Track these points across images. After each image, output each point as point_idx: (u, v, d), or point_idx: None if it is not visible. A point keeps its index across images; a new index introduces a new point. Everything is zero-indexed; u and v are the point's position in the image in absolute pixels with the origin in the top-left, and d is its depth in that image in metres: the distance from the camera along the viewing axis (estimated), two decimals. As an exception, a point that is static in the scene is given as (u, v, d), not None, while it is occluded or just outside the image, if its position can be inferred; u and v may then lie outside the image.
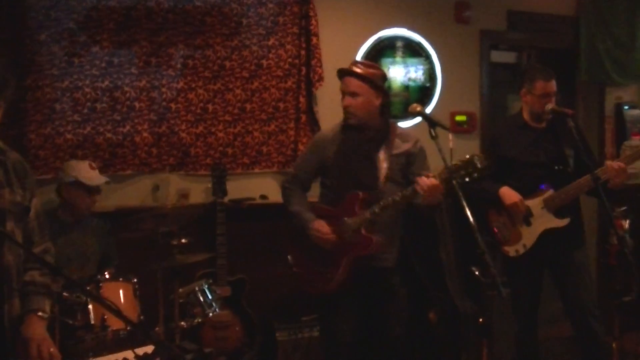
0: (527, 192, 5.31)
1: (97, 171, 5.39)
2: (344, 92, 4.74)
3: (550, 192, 5.23)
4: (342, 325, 4.84)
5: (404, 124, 6.89)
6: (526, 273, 5.46)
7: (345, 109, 4.76)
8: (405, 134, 4.90)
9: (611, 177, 4.97)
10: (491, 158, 5.45)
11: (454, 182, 3.99)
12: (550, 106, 5.23)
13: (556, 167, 5.20)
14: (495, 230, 5.48)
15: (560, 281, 5.44)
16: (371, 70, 4.79)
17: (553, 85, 5.31)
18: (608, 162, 5.06)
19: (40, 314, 3.32)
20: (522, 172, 5.37)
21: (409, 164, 4.78)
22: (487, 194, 5.45)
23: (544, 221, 5.27)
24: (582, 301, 5.26)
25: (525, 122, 5.42)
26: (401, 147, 4.80)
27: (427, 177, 4.32)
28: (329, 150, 4.88)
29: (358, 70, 4.75)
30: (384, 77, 4.86)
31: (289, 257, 5.03)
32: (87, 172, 5.31)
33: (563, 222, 5.23)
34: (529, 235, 5.33)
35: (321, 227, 4.73)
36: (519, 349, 5.64)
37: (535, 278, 5.50)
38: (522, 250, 5.36)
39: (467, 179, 4.12)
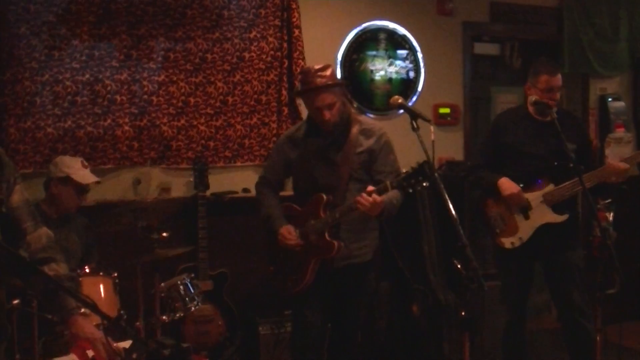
0: (524, 183, 5.32)
1: (88, 170, 5.34)
2: (321, 107, 4.66)
3: (551, 186, 5.22)
4: (309, 321, 4.89)
5: (386, 117, 6.91)
6: (518, 265, 5.46)
7: (327, 122, 4.71)
8: (368, 130, 4.85)
9: (613, 176, 5.01)
10: (490, 145, 5.50)
11: (411, 187, 4.20)
12: (533, 98, 5.23)
13: (555, 163, 5.18)
14: (491, 220, 5.49)
15: (552, 278, 5.46)
16: (330, 72, 4.74)
17: (558, 79, 5.30)
18: (611, 163, 5.06)
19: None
20: (521, 162, 5.37)
21: (372, 161, 4.76)
22: (485, 183, 5.48)
23: (542, 215, 5.27)
24: (573, 301, 5.27)
25: (528, 114, 5.40)
26: (363, 144, 4.78)
27: (369, 193, 4.35)
28: (293, 153, 4.95)
29: (328, 81, 4.69)
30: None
31: (267, 257, 5.13)
32: (79, 169, 5.26)
33: (561, 217, 5.23)
34: (526, 228, 5.33)
35: (287, 233, 4.80)
36: (506, 340, 5.64)
37: (527, 271, 5.50)
38: (517, 243, 5.36)
39: (418, 187, 4.23)
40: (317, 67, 4.71)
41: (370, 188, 4.38)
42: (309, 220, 4.76)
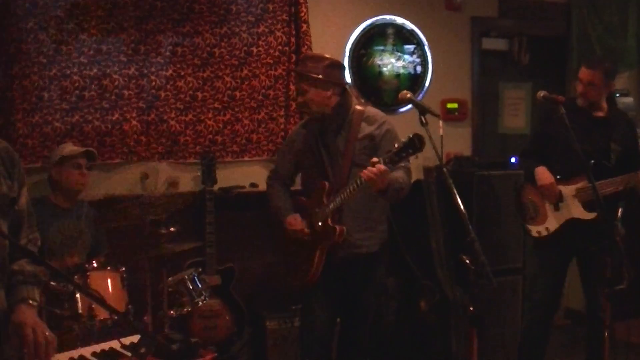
0: (563, 176, 5.34)
1: (78, 147, 5.39)
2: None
3: (585, 182, 5.19)
4: (318, 316, 4.96)
5: (395, 112, 6.90)
6: (553, 260, 5.48)
7: (300, 105, 5.05)
8: (371, 117, 4.92)
9: None
10: (538, 134, 5.64)
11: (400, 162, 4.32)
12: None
13: (592, 161, 5.14)
14: (524, 206, 5.57)
15: (584, 274, 5.49)
16: (317, 64, 4.85)
17: (587, 73, 5.34)
18: None
19: (30, 302, 3.28)
20: (562, 156, 5.37)
21: (375, 147, 4.78)
22: (525, 170, 5.59)
23: (572, 209, 5.29)
24: (597, 297, 5.24)
25: (578, 107, 5.39)
26: (365, 130, 4.85)
27: (373, 164, 4.36)
28: (298, 144, 5.09)
29: (307, 71, 4.86)
30: (332, 66, 4.89)
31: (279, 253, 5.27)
32: (69, 147, 5.34)
33: (589, 215, 5.19)
34: (554, 220, 5.36)
35: (293, 220, 4.92)
36: (527, 340, 5.61)
37: (561, 267, 5.52)
38: (544, 233, 5.41)
39: (410, 159, 4.35)
40: (312, 54, 5.05)
41: (375, 159, 4.39)
42: (313, 209, 4.85)
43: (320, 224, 4.79)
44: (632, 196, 5.17)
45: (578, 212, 5.25)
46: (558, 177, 5.32)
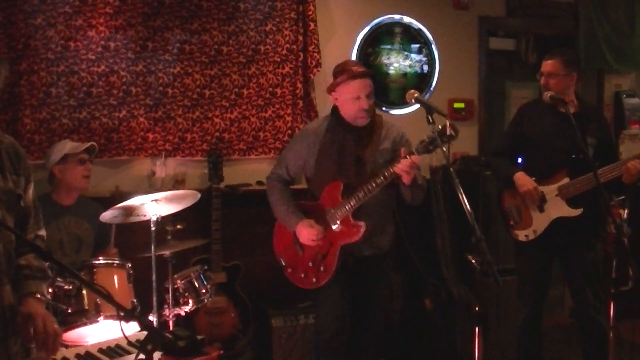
0: (542, 176, 5.31)
1: (78, 143, 5.41)
2: (362, 96, 4.76)
3: (566, 180, 5.21)
4: (331, 315, 4.93)
5: (402, 111, 6.91)
6: (535, 260, 5.47)
7: (367, 112, 4.81)
8: (390, 126, 4.96)
9: (630, 175, 5.00)
10: (512, 134, 5.54)
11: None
12: (549, 94, 5.21)
13: (573, 156, 5.16)
14: (507, 212, 5.52)
15: (569, 275, 5.47)
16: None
17: (546, 64, 5.39)
18: (632, 163, 5.04)
19: (38, 296, 3.30)
20: (540, 154, 5.38)
21: (394, 159, 4.71)
22: (502, 176, 5.51)
23: (557, 209, 5.26)
24: (587, 299, 5.28)
25: (551, 106, 5.36)
26: (386, 141, 4.87)
27: (405, 157, 4.42)
28: (315, 147, 4.97)
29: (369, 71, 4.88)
30: None
31: (280, 259, 5.15)
32: (70, 144, 5.34)
33: (575, 212, 5.20)
34: (540, 222, 5.33)
35: (308, 227, 4.85)
36: (522, 337, 5.63)
37: (544, 266, 5.50)
38: (532, 236, 5.37)
39: (442, 148, 4.25)
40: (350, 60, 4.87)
41: (404, 150, 4.45)
42: (327, 209, 4.82)
43: (338, 222, 4.78)
44: (618, 187, 5.20)
45: (564, 210, 5.24)
46: (534, 178, 5.32)
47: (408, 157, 4.42)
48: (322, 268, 4.84)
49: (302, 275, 4.99)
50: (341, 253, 4.79)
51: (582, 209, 5.16)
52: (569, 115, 4.99)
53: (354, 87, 4.76)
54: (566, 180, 5.21)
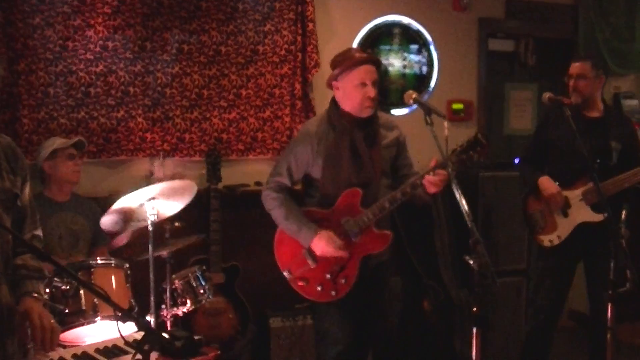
0: (566, 180, 5.32)
1: (67, 139, 5.43)
2: (369, 82, 4.47)
3: (590, 184, 5.16)
4: (339, 327, 4.67)
5: (400, 112, 6.91)
6: (559, 265, 5.46)
7: (373, 102, 4.51)
8: (388, 122, 4.77)
9: None
10: (536, 140, 5.57)
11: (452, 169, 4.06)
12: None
13: (598, 161, 5.11)
14: (531, 217, 5.53)
15: (589, 279, 5.49)
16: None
17: (576, 66, 5.38)
18: None
19: (35, 295, 3.29)
20: (563, 159, 5.37)
21: (398, 153, 4.68)
22: (527, 181, 5.51)
23: (581, 214, 5.27)
24: (601, 297, 5.24)
25: (574, 108, 5.28)
26: (388, 136, 4.68)
27: (433, 172, 4.28)
28: (320, 147, 4.60)
29: (374, 56, 4.64)
30: None
31: (286, 271, 4.72)
32: (58, 140, 5.36)
33: (599, 217, 5.14)
34: (564, 227, 5.33)
35: (328, 239, 4.48)
36: (530, 346, 5.59)
37: (567, 272, 5.49)
38: (556, 241, 5.37)
39: (477, 159, 4.25)
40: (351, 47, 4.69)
41: (434, 162, 4.29)
42: (345, 218, 4.53)
43: (359, 233, 4.49)
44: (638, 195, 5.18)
45: (587, 215, 5.23)
46: (557, 183, 5.31)
47: (444, 170, 4.24)
48: (343, 281, 4.55)
49: (319, 288, 4.60)
50: (362, 264, 4.55)
51: (605, 214, 5.12)
52: (592, 119, 4.99)
53: (359, 74, 4.45)
54: (590, 185, 5.18)
